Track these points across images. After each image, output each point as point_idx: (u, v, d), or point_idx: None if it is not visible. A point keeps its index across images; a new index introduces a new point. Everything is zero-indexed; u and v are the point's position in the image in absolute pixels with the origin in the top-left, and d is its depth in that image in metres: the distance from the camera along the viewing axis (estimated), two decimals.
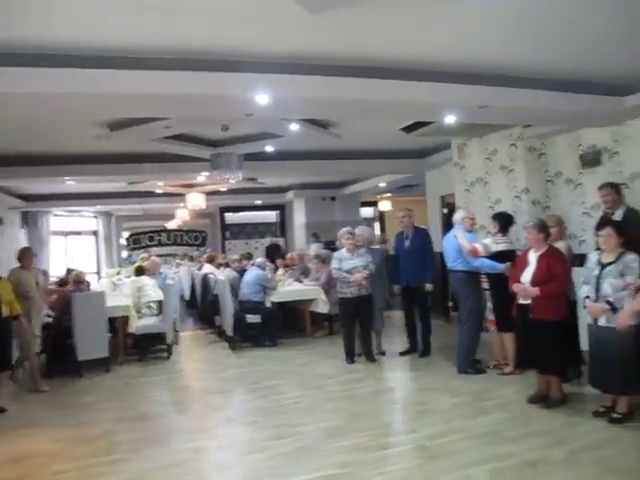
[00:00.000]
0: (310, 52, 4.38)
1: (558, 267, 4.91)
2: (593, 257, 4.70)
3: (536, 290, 4.87)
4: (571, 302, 5.26)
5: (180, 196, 13.07)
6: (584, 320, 4.98)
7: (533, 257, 5.07)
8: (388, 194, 16.71)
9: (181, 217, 16.32)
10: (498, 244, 6.02)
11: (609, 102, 5.74)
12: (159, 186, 12.29)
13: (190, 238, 18.05)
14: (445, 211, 9.95)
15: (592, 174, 6.64)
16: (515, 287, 5.09)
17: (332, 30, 3.97)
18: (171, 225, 17.77)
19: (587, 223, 6.60)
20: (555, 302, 4.86)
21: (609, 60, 5.00)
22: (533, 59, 4.85)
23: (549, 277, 4.86)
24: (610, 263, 4.50)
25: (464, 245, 6.16)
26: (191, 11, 3.57)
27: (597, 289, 4.51)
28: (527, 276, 5.01)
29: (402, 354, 7.30)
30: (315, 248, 12.46)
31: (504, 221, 6.18)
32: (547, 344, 4.85)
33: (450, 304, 9.12)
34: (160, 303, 8.05)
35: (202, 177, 10.57)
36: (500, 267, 5.91)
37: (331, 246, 11.30)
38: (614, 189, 5.65)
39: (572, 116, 6.05)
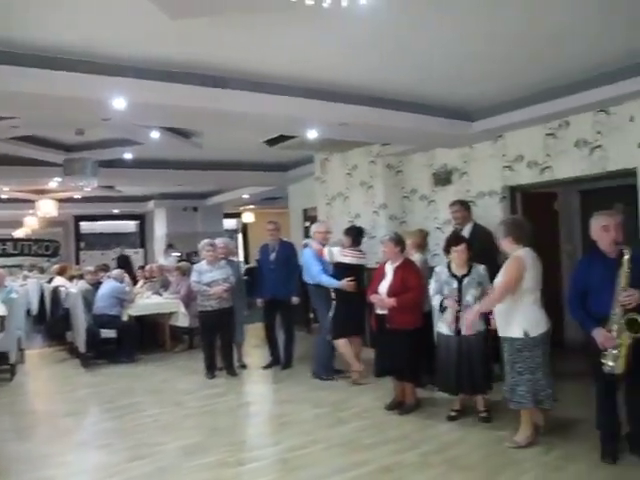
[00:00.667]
0: (171, 59, 4.25)
1: (412, 279, 5.16)
2: (443, 270, 4.97)
3: (392, 301, 5.08)
4: (425, 312, 5.54)
5: (29, 202, 12.14)
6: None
7: (390, 269, 5.30)
8: (251, 206, 16.73)
9: (30, 225, 15.11)
10: (344, 256, 6.28)
11: (460, 126, 6.19)
12: (4, 191, 11.37)
13: (40, 248, 16.87)
14: (307, 224, 10.13)
15: (444, 192, 7.10)
16: (373, 298, 5.28)
17: (193, 38, 3.88)
18: (18, 234, 16.41)
19: (440, 237, 7.00)
20: (410, 312, 5.10)
21: (461, 88, 5.38)
22: (393, 81, 5.08)
23: (404, 288, 5.10)
24: (465, 275, 4.83)
25: (314, 245, 6.55)
26: (44, 4, 3.33)
27: (459, 300, 4.79)
28: (384, 287, 5.21)
29: (265, 367, 7.28)
30: (171, 260, 12.15)
31: (355, 234, 6.47)
32: (402, 352, 5.07)
33: (312, 316, 9.27)
34: (2, 319, 7.37)
35: (54, 183, 9.90)
36: (336, 283, 6.23)
37: (193, 258, 11.06)
38: (463, 206, 6.09)
39: (427, 137, 6.44)
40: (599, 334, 3.79)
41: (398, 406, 5.28)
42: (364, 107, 5.35)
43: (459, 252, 4.83)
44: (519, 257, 4.25)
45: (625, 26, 4.00)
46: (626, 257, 3.68)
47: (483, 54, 4.49)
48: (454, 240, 4.98)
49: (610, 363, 3.75)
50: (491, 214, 6.37)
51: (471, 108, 6.11)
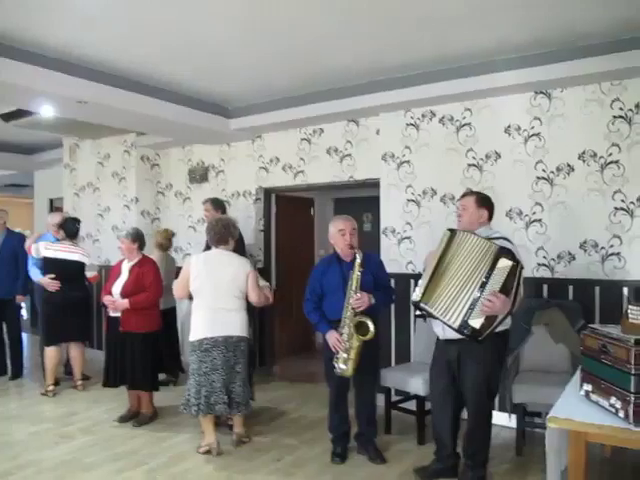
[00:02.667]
0: None
1: (148, 277, 4.74)
2: None
3: (125, 302, 4.63)
4: (164, 311, 5.18)
5: None
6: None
7: (126, 268, 4.84)
8: None
9: None
10: (47, 250, 5.70)
11: (217, 122, 5.98)
12: None
13: None
14: None
15: (199, 189, 6.83)
16: (105, 300, 4.76)
17: None
18: None
19: (193, 237, 6.74)
20: (145, 314, 4.68)
21: (217, 81, 5.16)
22: (148, 64, 4.68)
23: (140, 288, 4.68)
24: None
25: (28, 241, 6.05)
26: None
27: None
28: (118, 287, 4.74)
29: None
30: None
31: (67, 228, 5.83)
32: (137, 358, 4.64)
33: None
34: None
35: None
36: (38, 278, 5.77)
37: None
38: (214, 205, 5.82)
39: (183, 130, 6.08)
40: (331, 336, 3.80)
41: (133, 417, 4.84)
42: (108, 87, 4.83)
43: None
44: (188, 259, 4.25)
45: (368, 40, 4.11)
46: (357, 261, 3.72)
47: (225, 48, 4.31)
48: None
49: (341, 366, 3.78)
50: (245, 215, 6.25)
51: (229, 105, 5.96)
